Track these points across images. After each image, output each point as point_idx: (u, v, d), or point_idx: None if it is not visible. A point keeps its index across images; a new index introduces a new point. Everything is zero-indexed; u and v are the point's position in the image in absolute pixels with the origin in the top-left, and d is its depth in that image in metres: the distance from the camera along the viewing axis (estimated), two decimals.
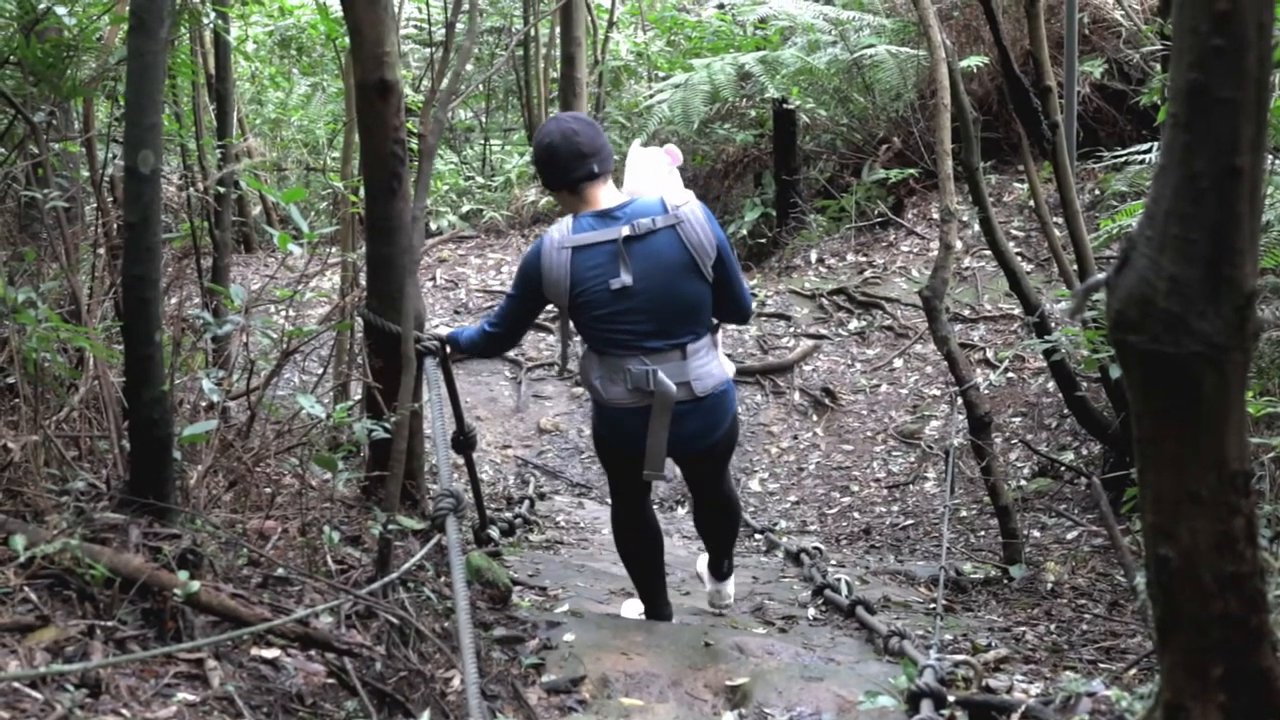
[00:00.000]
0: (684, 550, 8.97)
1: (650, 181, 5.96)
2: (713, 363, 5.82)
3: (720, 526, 6.59)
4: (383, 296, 6.18)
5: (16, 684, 3.42)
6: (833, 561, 8.55)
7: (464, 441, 6.77)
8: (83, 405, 5.47)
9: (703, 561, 6.98)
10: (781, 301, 14.60)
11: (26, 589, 3.92)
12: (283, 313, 6.56)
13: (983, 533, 9.26)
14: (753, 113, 18.36)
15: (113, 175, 7.76)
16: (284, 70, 21.65)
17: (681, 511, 11.03)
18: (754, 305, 13.25)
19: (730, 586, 6.83)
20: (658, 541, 6.43)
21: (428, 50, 21.76)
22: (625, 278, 5.54)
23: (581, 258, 5.59)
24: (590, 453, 12.15)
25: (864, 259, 15.17)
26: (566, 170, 5.69)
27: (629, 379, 5.66)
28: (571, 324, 5.87)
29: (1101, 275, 2.34)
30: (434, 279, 16.11)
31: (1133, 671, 5.12)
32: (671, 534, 9.76)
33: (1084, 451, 10.04)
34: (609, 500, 6.69)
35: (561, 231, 5.66)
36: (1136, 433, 2.35)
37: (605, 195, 5.74)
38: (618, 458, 6.04)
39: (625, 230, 5.55)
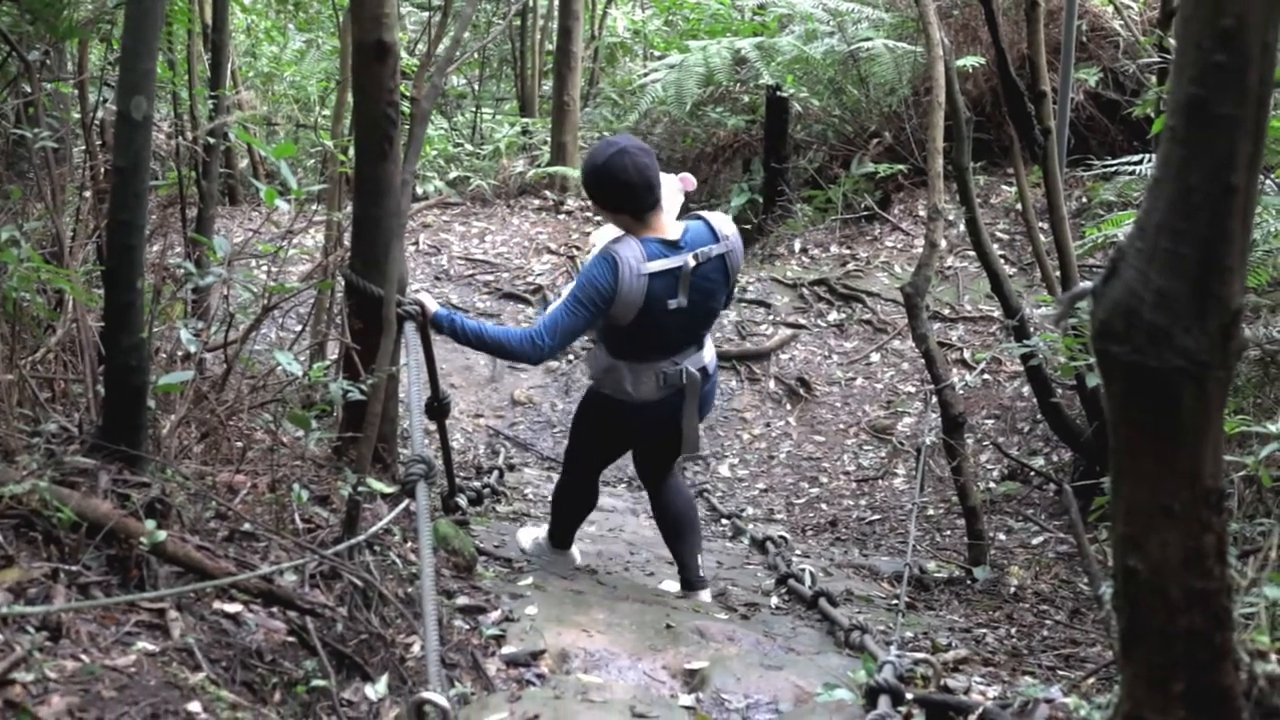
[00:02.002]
0: (650, 531, 8.96)
1: (673, 208, 6.35)
2: (711, 344, 6.57)
3: (685, 507, 6.98)
4: (366, 258, 6.17)
5: None
6: (798, 551, 8.56)
7: (438, 408, 6.78)
8: (59, 347, 5.46)
9: (674, 585, 7.00)
10: (762, 289, 14.60)
11: None
12: (265, 267, 6.54)
13: (949, 532, 9.28)
14: (746, 98, 18.38)
15: (103, 119, 7.74)
16: (280, 24, 21.59)
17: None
18: (735, 291, 13.55)
19: (711, 598, 6.82)
20: (594, 504, 7.22)
21: (424, 14, 21.71)
22: (682, 299, 6.08)
23: (655, 282, 6.01)
24: (562, 427, 12.15)
25: (847, 251, 15.17)
26: (640, 201, 6.10)
27: (662, 379, 6.30)
28: (604, 339, 6.38)
29: (1088, 284, 2.35)
30: (417, 244, 16.07)
31: (1091, 680, 5.13)
32: (639, 514, 9.77)
33: (1055, 458, 10.07)
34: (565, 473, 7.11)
35: (637, 257, 6.00)
36: (1113, 443, 2.36)
37: (665, 221, 6.20)
38: (633, 443, 6.77)
39: (691, 260, 6.07)
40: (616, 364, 6.31)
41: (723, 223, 6.30)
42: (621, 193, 6.10)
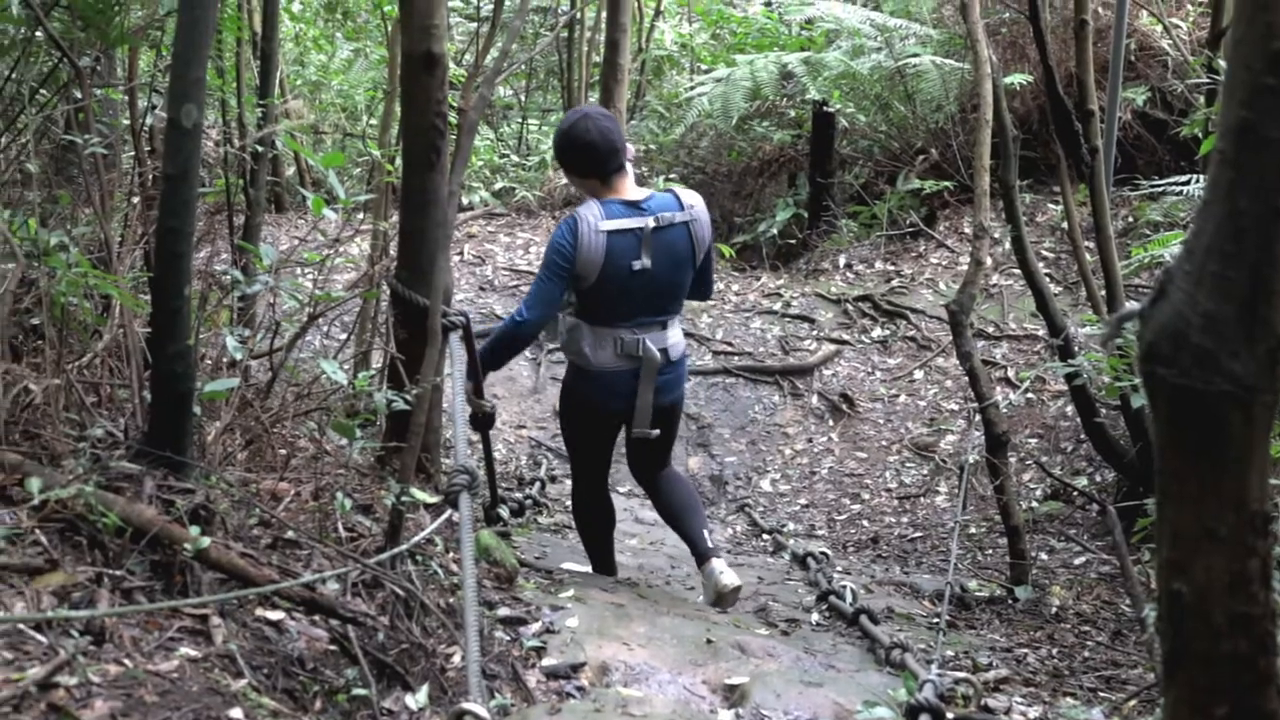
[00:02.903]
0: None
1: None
2: (680, 333, 6.82)
3: (683, 491, 7.19)
4: (413, 268, 6.22)
5: (21, 626, 3.44)
6: (839, 568, 8.54)
7: (483, 418, 6.84)
8: (106, 353, 5.49)
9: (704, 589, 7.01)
10: (806, 304, 14.58)
11: (38, 531, 3.94)
12: (311, 276, 6.57)
13: (990, 551, 9.24)
14: (792, 113, 18.33)
15: (152, 125, 7.77)
16: (328, 33, 21.65)
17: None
18: (778, 305, 13.46)
19: (723, 564, 6.81)
20: (613, 517, 7.36)
21: (473, 25, 21.74)
22: (645, 260, 6.37)
23: (614, 240, 6.32)
24: None
25: (892, 268, 15.14)
26: (604, 163, 6.43)
27: (620, 346, 6.53)
28: (574, 297, 6.55)
29: (1136, 305, 2.34)
30: (461, 254, 16.09)
31: (1133, 703, 5.12)
32: None
33: (1098, 478, 10.02)
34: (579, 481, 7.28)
35: (595, 215, 6.34)
36: (1158, 466, 2.35)
37: (628, 185, 6.54)
38: (600, 420, 6.79)
39: (652, 222, 6.37)
40: (579, 324, 6.57)
41: (689, 195, 6.64)
42: (586, 155, 6.44)
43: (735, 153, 18.75)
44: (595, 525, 7.24)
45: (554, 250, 6.34)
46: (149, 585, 4.03)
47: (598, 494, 7.15)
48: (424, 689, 4.22)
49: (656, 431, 6.63)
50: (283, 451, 5.71)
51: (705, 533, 6.88)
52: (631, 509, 9.83)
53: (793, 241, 17.09)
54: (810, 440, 12.47)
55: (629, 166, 6.58)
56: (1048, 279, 10.55)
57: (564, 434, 7.19)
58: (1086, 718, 4.44)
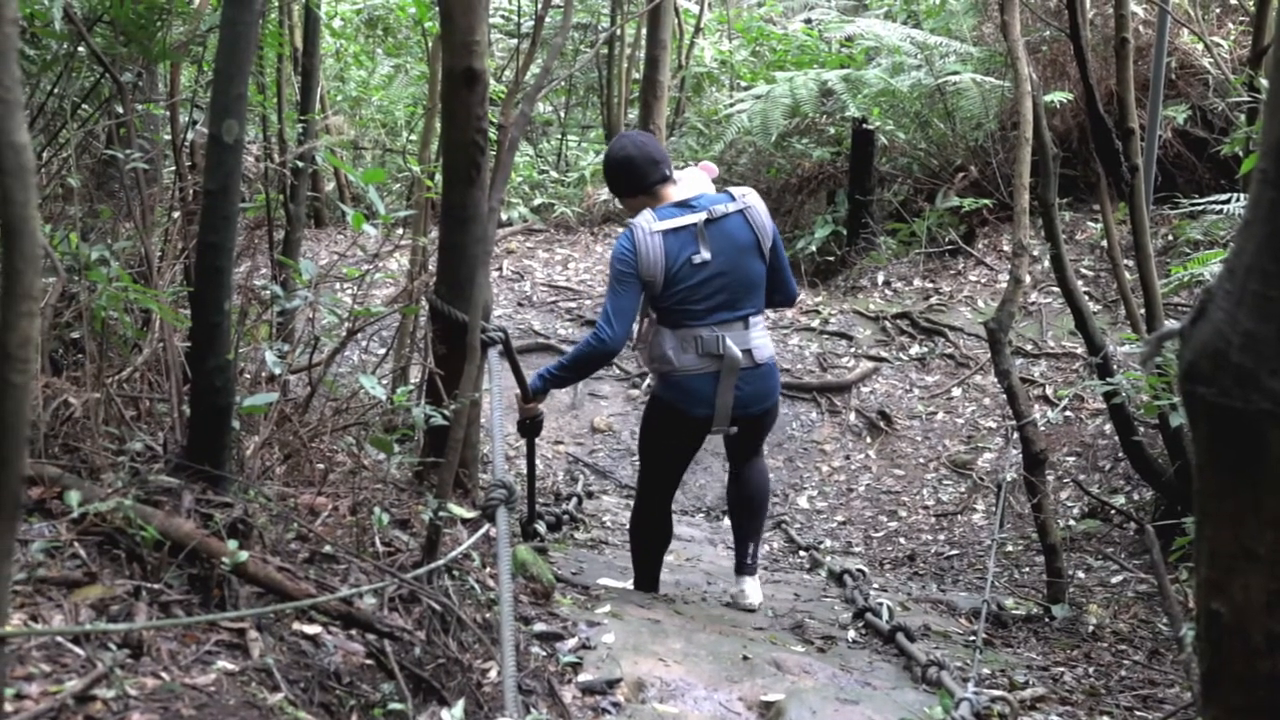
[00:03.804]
0: (728, 561, 8.94)
1: (698, 189, 6.66)
2: (766, 336, 6.77)
3: (758, 493, 7.21)
4: (452, 284, 6.23)
5: (59, 638, 3.45)
6: (875, 585, 8.51)
7: (530, 425, 6.87)
8: (145, 367, 5.51)
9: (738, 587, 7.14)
10: (845, 321, 14.58)
11: (77, 545, 3.96)
12: (350, 291, 6.59)
13: (1027, 569, 9.21)
14: (831, 130, 18.31)
15: (193, 141, 7.81)
16: (368, 49, 21.72)
17: (728, 522, 11.00)
18: (817, 323, 13.44)
19: (753, 585, 7.09)
20: (669, 538, 7.29)
21: (513, 41, 21.78)
22: (705, 253, 6.41)
23: (670, 239, 6.40)
24: None
25: (931, 285, 15.11)
26: (646, 176, 6.54)
27: (700, 345, 6.48)
28: (651, 309, 6.59)
29: (1176, 324, 2.33)
30: (501, 270, 16.13)
31: None
32: (717, 544, 9.76)
33: (1135, 497, 9.98)
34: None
35: (648, 220, 6.43)
36: (1197, 485, 2.33)
37: (675, 191, 6.60)
38: (683, 427, 6.71)
39: (704, 215, 6.43)
40: (661, 330, 6.56)
41: (740, 189, 6.71)
42: (627, 170, 6.62)
43: (774, 170, 18.74)
44: (650, 543, 7.18)
45: (616, 260, 6.42)
46: (187, 599, 4.04)
47: (660, 512, 7.12)
48: (460, 704, 4.22)
49: (734, 429, 6.62)
50: (321, 466, 5.72)
51: (752, 547, 7.06)
52: None
53: (831, 258, 17.08)
54: (848, 457, 12.46)
55: (703, 185, 6.65)
56: (1087, 297, 10.51)
57: (641, 445, 7.12)
58: None
